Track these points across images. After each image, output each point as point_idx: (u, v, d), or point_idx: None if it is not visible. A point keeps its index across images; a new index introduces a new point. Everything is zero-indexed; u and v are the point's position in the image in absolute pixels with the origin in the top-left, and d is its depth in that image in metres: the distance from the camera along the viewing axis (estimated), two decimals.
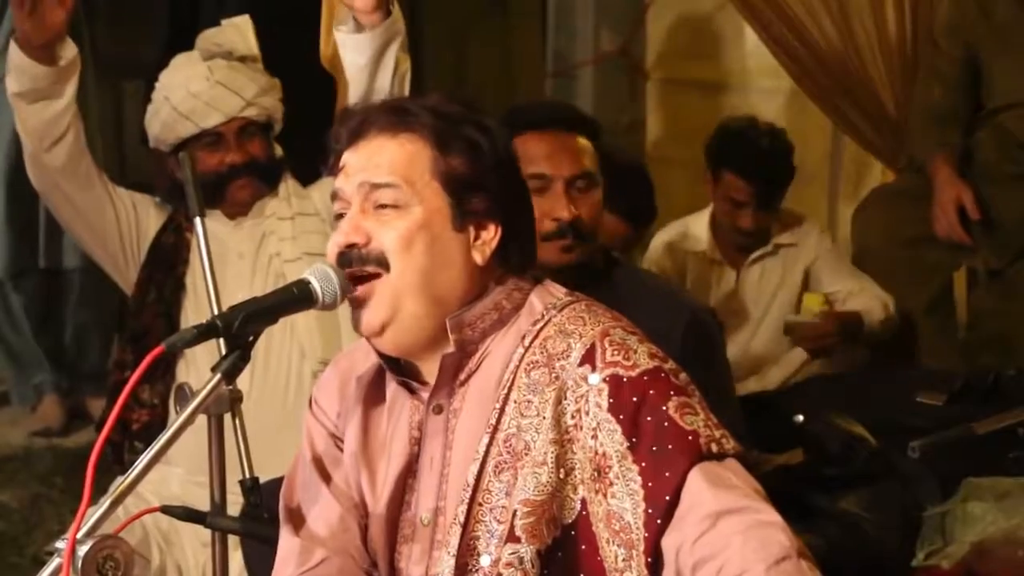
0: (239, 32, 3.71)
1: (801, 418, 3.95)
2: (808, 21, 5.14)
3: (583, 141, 3.12)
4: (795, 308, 4.61)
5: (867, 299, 4.52)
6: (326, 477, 2.27)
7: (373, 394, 2.26)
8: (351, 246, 2.13)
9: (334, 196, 2.19)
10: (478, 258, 2.16)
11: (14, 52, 3.42)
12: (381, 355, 2.21)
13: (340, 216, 2.17)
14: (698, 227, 4.66)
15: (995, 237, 4.64)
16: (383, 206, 2.13)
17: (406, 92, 3.26)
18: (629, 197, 4.19)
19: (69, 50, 3.44)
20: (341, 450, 2.27)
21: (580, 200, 3.05)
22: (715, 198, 4.58)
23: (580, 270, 3.03)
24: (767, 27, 5.22)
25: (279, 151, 3.75)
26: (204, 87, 3.57)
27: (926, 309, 4.72)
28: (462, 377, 2.17)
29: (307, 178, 3.74)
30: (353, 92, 3.25)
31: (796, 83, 5.39)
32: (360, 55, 3.22)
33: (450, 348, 2.15)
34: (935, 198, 4.67)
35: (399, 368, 2.22)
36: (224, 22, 3.75)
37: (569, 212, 3.01)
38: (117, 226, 3.62)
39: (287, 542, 2.27)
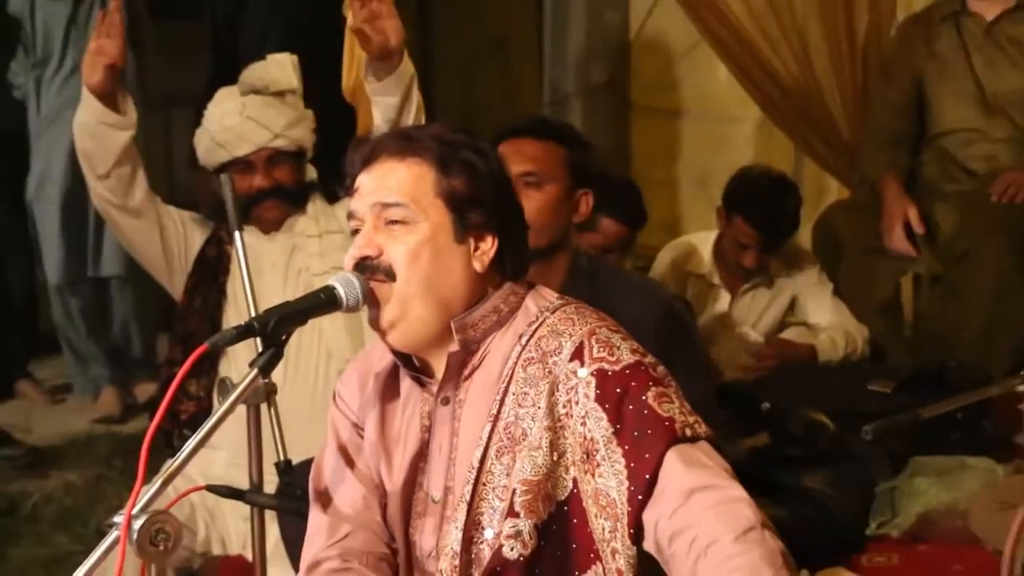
0: (281, 68, 3.70)
1: (768, 405, 3.96)
2: (773, 58, 5.14)
3: (535, 143, 3.11)
4: (777, 325, 4.61)
5: (836, 336, 4.46)
6: (350, 463, 2.27)
7: (389, 389, 2.26)
8: (365, 258, 2.13)
9: (350, 215, 2.19)
10: (478, 266, 2.16)
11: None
12: (395, 353, 2.21)
13: (356, 231, 2.18)
14: (703, 249, 4.59)
15: (936, 247, 4.64)
16: (393, 222, 2.13)
17: (422, 122, 3.28)
18: (624, 204, 4.19)
19: (131, 111, 3.47)
20: (362, 438, 2.28)
21: (523, 195, 3.01)
22: (724, 234, 4.51)
23: (579, 273, 3.05)
24: (737, 63, 5.23)
25: (312, 173, 3.74)
26: (237, 121, 3.57)
27: (877, 309, 4.72)
28: (466, 372, 2.17)
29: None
30: (384, 123, 3.25)
31: (763, 112, 5.39)
32: (392, 96, 3.23)
33: (455, 347, 2.15)
34: (885, 214, 4.66)
35: (411, 364, 2.22)
36: (269, 58, 3.73)
37: None
38: (164, 245, 3.61)
39: (316, 519, 2.28)
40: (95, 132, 3.46)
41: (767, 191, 4.43)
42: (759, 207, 4.39)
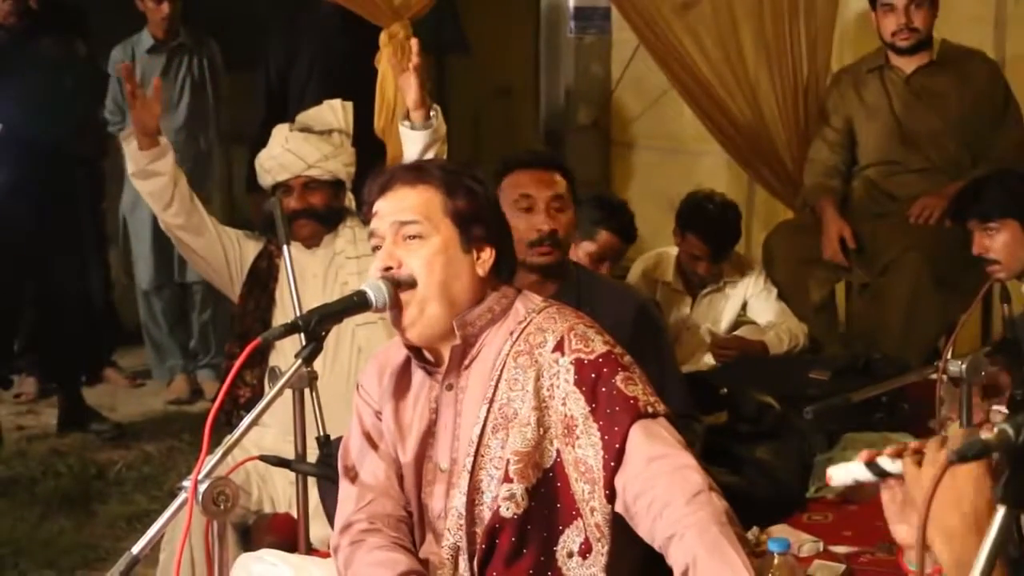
0: (333, 111, 3.67)
1: (725, 390, 3.95)
2: (730, 103, 5.14)
3: (558, 175, 3.10)
4: (733, 324, 4.59)
5: (781, 333, 4.45)
6: (373, 444, 2.27)
7: (402, 380, 2.27)
8: (387, 268, 2.15)
9: (371, 235, 2.20)
10: (480, 272, 2.17)
11: (127, 144, 3.47)
12: (409, 347, 2.22)
13: (376, 248, 2.19)
14: (669, 261, 4.58)
15: (864, 260, 4.64)
16: (410, 237, 2.15)
17: None
18: (619, 222, 4.19)
19: (162, 140, 3.47)
20: (381, 421, 2.28)
21: (557, 217, 3.03)
22: (680, 249, 4.51)
23: (553, 269, 3.06)
24: (701, 107, 5.23)
25: (350, 199, 3.70)
26: (279, 152, 3.56)
27: (816, 311, 4.72)
28: (466, 362, 2.18)
29: None
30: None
31: (722, 147, 5.37)
32: (415, 146, 3.30)
33: (457, 340, 2.16)
34: (823, 232, 4.65)
35: (422, 356, 2.22)
36: (325, 103, 3.70)
37: (549, 225, 3.00)
38: (224, 257, 3.59)
39: (346, 488, 2.28)
40: (147, 173, 3.45)
41: (712, 211, 4.43)
42: (706, 224, 4.39)
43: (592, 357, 2.09)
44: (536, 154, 3.25)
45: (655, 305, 3.37)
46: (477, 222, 2.16)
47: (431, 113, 3.39)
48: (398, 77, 3.43)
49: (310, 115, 3.69)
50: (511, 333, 2.16)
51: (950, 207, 4.19)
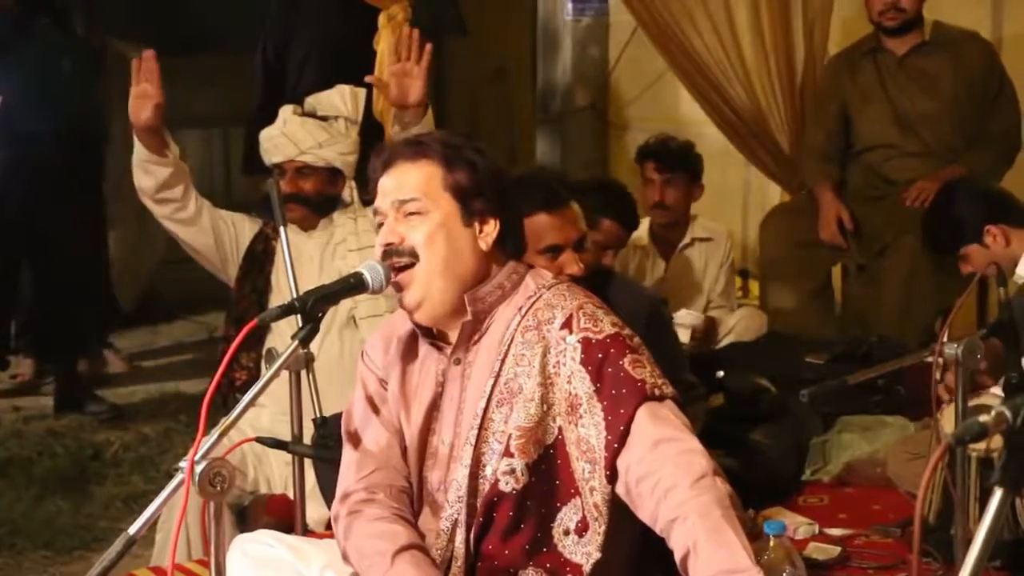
0: (342, 97, 3.61)
1: (722, 373, 3.95)
2: (727, 86, 5.15)
3: (575, 207, 2.94)
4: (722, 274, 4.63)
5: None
6: (376, 411, 2.28)
7: (409, 351, 2.27)
8: (390, 245, 2.15)
9: (375, 212, 2.21)
10: (483, 246, 2.17)
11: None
12: (417, 325, 2.22)
13: (380, 225, 2.19)
14: (642, 228, 4.58)
15: (860, 243, 4.64)
16: (411, 214, 2.15)
17: None
18: (622, 209, 4.18)
19: (173, 150, 3.40)
20: (386, 391, 2.28)
21: (583, 256, 2.91)
22: (642, 190, 4.54)
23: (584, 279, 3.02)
24: (698, 90, 5.23)
25: (352, 188, 3.63)
26: (275, 133, 3.53)
27: (812, 293, 4.72)
28: (475, 338, 2.18)
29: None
30: None
31: (719, 129, 5.37)
32: None
33: (468, 317, 2.16)
34: (821, 215, 4.65)
35: (430, 333, 2.22)
36: (336, 87, 3.64)
37: (578, 268, 2.84)
38: (216, 243, 3.52)
39: (348, 456, 2.28)
40: (144, 168, 3.39)
41: (667, 139, 4.56)
42: (662, 148, 4.51)
43: (600, 337, 2.09)
44: (550, 191, 2.95)
45: (664, 303, 3.38)
46: (478, 195, 2.16)
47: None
48: (400, 75, 3.34)
49: (319, 99, 3.64)
50: (520, 308, 2.17)
51: (926, 239, 4.07)
